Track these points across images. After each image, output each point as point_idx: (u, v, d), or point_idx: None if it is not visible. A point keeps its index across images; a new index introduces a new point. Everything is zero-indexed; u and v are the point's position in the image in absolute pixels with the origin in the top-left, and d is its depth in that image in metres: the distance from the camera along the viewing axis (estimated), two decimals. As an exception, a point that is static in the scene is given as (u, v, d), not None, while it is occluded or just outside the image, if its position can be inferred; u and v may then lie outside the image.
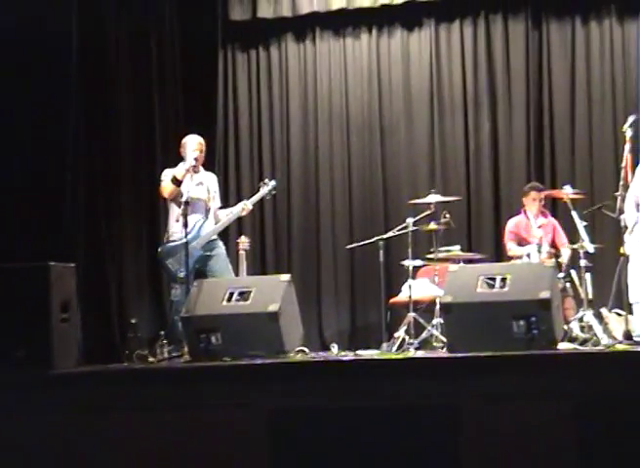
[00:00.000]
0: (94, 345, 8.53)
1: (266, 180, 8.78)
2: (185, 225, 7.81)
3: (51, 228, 9.06)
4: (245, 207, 8.53)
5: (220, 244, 8.49)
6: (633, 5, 9.93)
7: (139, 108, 9.95)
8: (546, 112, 10.14)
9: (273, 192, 8.76)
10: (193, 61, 10.22)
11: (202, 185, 8.47)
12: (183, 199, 7.90)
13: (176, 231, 8.24)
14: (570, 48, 10.13)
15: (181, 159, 8.44)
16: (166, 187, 8.37)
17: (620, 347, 7.13)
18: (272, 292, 7.40)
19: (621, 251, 7.55)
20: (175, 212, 8.28)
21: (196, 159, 8.34)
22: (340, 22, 10.59)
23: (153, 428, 6.28)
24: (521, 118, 10.16)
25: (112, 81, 9.82)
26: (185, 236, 7.79)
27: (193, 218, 8.23)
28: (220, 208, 8.65)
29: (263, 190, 8.65)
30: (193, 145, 8.44)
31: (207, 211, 8.45)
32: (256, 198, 8.67)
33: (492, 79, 10.28)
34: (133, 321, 8.60)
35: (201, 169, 8.55)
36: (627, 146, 7.62)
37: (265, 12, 10.50)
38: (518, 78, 10.21)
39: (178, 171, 8.28)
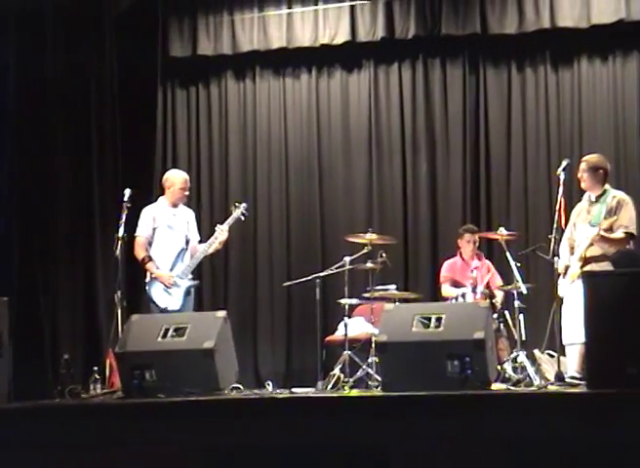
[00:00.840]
0: (25, 381, 8.39)
1: (237, 203, 8.80)
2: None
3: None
4: (221, 231, 8.52)
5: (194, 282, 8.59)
6: (567, 53, 10.14)
7: (76, 144, 9.89)
8: (483, 155, 10.29)
9: (246, 214, 8.75)
10: (132, 97, 10.21)
11: (179, 218, 8.55)
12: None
13: (158, 267, 8.38)
14: (506, 93, 10.31)
15: (151, 195, 8.57)
16: (137, 254, 8.41)
17: (551, 388, 7.21)
18: (208, 328, 7.36)
19: (556, 293, 7.65)
20: (156, 249, 8.40)
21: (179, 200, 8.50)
22: (280, 62, 10.67)
23: (86, 466, 6.20)
24: (458, 160, 10.29)
25: (49, 117, 9.76)
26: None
27: (174, 251, 8.39)
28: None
29: (236, 212, 8.67)
30: (181, 184, 8.54)
31: (187, 242, 8.52)
32: (230, 221, 8.65)
33: (430, 122, 10.41)
34: (66, 357, 8.47)
35: (180, 204, 8.63)
36: (561, 190, 7.74)
37: (206, 49, 10.54)
38: (455, 121, 10.35)
39: (159, 277, 8.31)
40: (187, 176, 8.72)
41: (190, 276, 8.49)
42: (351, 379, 8.18)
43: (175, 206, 8.55)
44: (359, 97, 10.58)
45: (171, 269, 8.36)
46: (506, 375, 7.93)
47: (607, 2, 9.71)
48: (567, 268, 7.89)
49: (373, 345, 8.07)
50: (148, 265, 8.36)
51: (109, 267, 9.14)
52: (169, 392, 6.96)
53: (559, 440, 5.92)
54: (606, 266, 7.69)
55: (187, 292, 8.42)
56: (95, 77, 10.04)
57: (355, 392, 7.88)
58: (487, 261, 9.27)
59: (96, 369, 8.01)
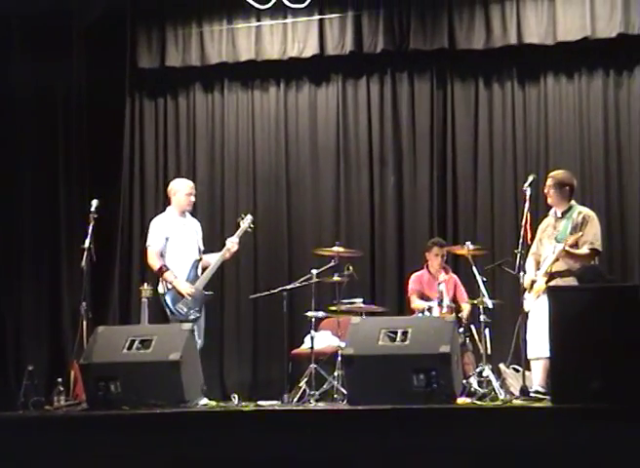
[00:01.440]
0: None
1: (243, 215, 8.78)
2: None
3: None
4: (232, 243, 8.54)
5: None
6: (533, 69, 10.21)
7: (43, 154, 9.84)
8: (450, 169, 10.32)
9: (252, 225, 8.77)
10: (100, 108, 10.16)
11: (189, 227, 8.54)
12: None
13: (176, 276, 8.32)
14: (473, 108, 10.35)
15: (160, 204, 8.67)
16: (152, 264, 8.37)
17: (516, 402, 7.25)
18: (174, 340, 7.35)
19: (522, 308, 7.70)
20: (170, 260, 8.33)
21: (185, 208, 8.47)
22: (249, 74, 10.66)
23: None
24: (425, 174, 10.32)
25: (16, 128, 9.72)
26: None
27: (189, 261, 8.35)
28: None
29: (244, 224, 8.66)
30: (187, 189, 8.54)
31: (199, 252, 8.51)
32: (239, 233, 8.63)
33: (397, 135, 10.44)
34: (29, 368, 8.42)
35: (187, 214, 8.60)
36: (527, 205, 7.80)
37: (174, 61, 10.52)
38: (423, 135, 10.38)
39: (178, 286, 8.24)
40: (192, 183, 8.73)
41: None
42: (317, 392, 8.17)
43: (183, 215, 8.52)
44: (327, 110, 10.60)
45: (186, 280, 8.32)
46: (472, 389, 7.96)
47: (572, 20, 9.78)
48: (533, 283, 7.94)
49: (339, 358, 8.07)
50: (166, 275, 8.27)
51: (74, 278, 9.09)
52: (134, 404, 6.94)
53: (523, 454, 5.95)
54: (571, 281, 7.75)
55: (204, 303, 8.41)
56: (62, 88, 10.00)
57: (321, 405, 7.88)
58: (453, 275, 9.29)
59: (60, 380, 7.97)
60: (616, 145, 9.99)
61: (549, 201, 8.12)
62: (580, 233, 7.83)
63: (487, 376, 7.95)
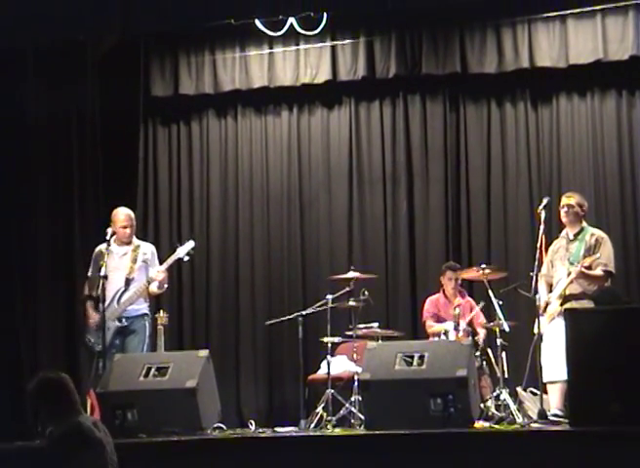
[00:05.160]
0: (5, 421, 8.32)
1: (184, 241, 8.71)
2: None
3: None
4: (156, 272, 8.36)
5: (146, 321, 8.39)
6: (546, 91, 10.22)
7: (58, 183, 9.87)
8: (463, 191, 10.32)
9: (191, 252, 8.63)
10: (114, 136, 10.20)
11: (125, 256, 8.43)
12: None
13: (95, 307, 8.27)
14: (486, 130, 10.35)
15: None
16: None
17: (534, 426, 7.21)
18: (190, 367, 7.36)
19: (538, 330, 7.68)
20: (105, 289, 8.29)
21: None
22: (262, 100, 10.69)
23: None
24: (439, 197, 10.31)
25: (31, 155, 9.75)
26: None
27: (112, 290, 8.24)
28: None
29: (180, 252, 8.52)
30: (121, 221, 8.46)
31: (127, 281, 8.37)
32: (169, 261, 8.49)
33: (410, 158, 10.44)
34: (46, 396, 8.40)
35: (133, 239, 8.54)
36: (542, 227, 7.79)
37: (187, 89, 10.56)
38: (436, 158, 10.38)
39: (91, 318, 8.29)
40: (129, 213, 8.59)
41: (143, 313, 8.39)
42: (334, 418, 8.15)
43: (125, 243, 8.47)
44: (340, 134, 10.61)
45: (107, 309, 8.15)
46: (489, 413, 7.92)
47: (584, 43, 9.77)
48: (546, 305, 7.93)
49: (356, 383, 8.06)
50: (85, 304, 8.36)
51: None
52: (151, 432, 6.93)
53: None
54: (585, 304, 7.73)
55: (117, 334, 8.24)
56: (77, 116, 10.04)
57: (338, 431, 7.86)
58: (470, 299, 9.27)
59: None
60: (629, 166, 9.95)
61: (564, 221, 8.11)
62: (598, 254, 7.82)
63: (504, 400, 7.91)
